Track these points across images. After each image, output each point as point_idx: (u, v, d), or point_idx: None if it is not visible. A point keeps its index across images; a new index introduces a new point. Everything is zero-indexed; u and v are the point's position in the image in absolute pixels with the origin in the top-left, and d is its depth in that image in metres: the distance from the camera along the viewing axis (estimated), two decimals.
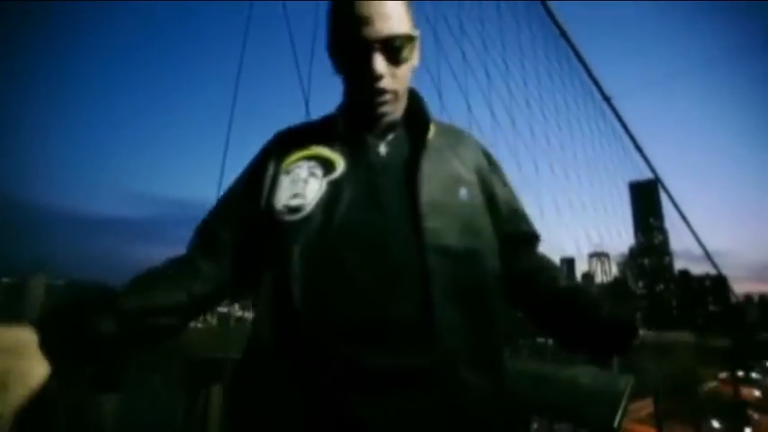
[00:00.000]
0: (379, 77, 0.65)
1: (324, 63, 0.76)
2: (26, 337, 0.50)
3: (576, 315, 0.71)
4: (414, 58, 0.72)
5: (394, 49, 0.66)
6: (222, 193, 0.76)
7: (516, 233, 0.78)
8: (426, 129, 0.73)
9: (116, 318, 0.55)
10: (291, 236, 0.62)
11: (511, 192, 0.82)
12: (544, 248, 0.82)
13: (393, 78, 0.68)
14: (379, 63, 0.65)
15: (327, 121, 0.75)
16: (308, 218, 0.63)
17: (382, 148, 0.70)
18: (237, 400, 0.62)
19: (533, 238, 0.82)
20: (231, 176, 0.79)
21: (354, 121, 0.71)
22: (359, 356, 0.55)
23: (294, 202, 0.65)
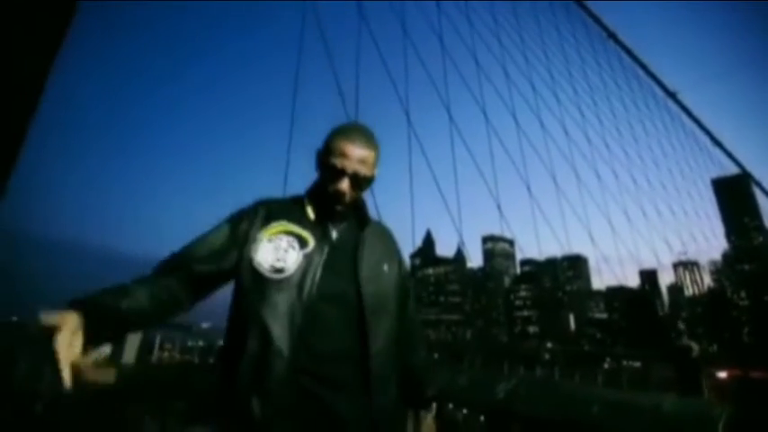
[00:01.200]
0: (343, 194, 1.01)
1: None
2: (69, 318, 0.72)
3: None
4: (368, 188, 1.09)
5: (358, 181, 1.02)
6: (211, 230, 1.02)
7: (401, 328, 1.09)
8: (365, 223, 1.10)
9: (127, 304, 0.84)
10: (276, 289, 0.92)
11: (408, 281, 1.18)
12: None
13: (350, 195, 1.03)
14: (345, 185, 1.01)
15: (297, 202, 1.08)
16: (290, 278, 0.94)
17: (336, 233, 1.05)
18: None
19: (412, 339, 1.17)
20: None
21: (319, 210, 1.05)
22: (327, 372, 0.89)
23: (278, 265, 0.95)
